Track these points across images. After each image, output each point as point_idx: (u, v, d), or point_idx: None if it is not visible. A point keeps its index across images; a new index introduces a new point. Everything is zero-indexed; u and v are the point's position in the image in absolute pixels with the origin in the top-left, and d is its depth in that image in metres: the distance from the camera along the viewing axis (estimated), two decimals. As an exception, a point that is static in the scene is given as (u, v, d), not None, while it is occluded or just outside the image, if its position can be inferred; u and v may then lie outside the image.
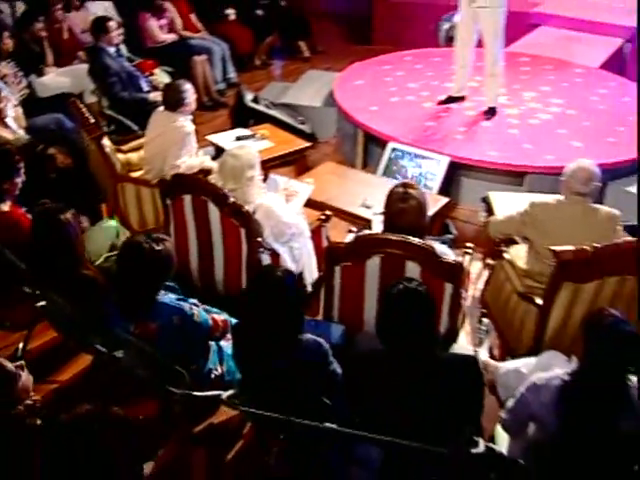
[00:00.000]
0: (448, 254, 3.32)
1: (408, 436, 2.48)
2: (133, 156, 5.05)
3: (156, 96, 5.82)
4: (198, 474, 2.62)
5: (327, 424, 2.51)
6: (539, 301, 3.52)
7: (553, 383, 2.52)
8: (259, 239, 3.69)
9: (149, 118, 4.93)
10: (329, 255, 3.38)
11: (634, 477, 2.54)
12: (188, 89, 4.75)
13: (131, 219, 4.72)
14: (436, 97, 6.50)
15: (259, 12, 8.66)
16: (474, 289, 4.40)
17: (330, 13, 10.48)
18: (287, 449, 2.79)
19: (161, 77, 6.71)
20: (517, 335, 3.72)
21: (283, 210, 3.94)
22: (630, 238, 3.60)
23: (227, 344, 3.15)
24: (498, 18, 5.87)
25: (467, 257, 3.85)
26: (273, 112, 6.29)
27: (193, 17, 7.95)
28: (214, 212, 3.70)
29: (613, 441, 2.49)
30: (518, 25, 8.10)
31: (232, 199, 3.60)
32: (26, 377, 2.39)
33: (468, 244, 3.98)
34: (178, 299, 2.93)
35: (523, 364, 3.18)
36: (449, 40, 8.84)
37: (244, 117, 6.30)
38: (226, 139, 5.53)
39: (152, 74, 6.57)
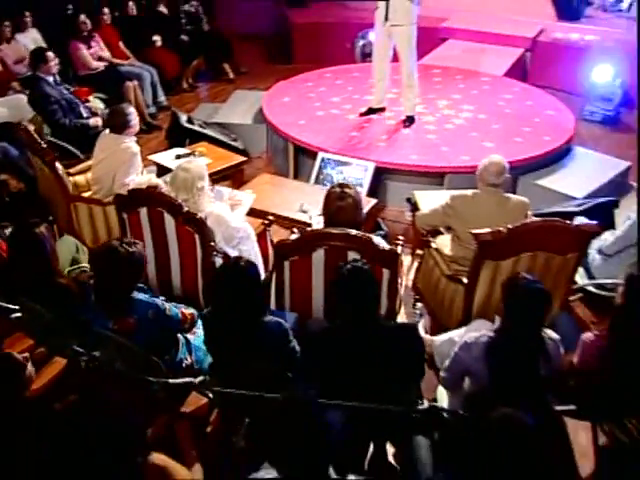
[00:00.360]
0: (384, 244, 3.79)
1: (364, 399, 2.90)
2: (80, 178, 5.34)
3: (96, 121, 6.13)
4: (185, 443, 2.98)
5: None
6: (465, 280, 4.01)
7: (481, 340, 2.99)
8: (212, 244, 4.07)
9: (91, 143, 5.26)
10: (278, 251, 3.78)
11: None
12: (132, 112, 5.09)
13: (85, 236, 5.01)
14: (358, 109, 7.00)
15: (184, 37, 9.04)
16: (406, 279, 4.88)
17: (251, 34, 10.91)
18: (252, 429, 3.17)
19: (95, 103, 7.02)
20: (448, 313, 4.19)
21: (231, 216, 4.33)
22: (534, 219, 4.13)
23: (193, 337, 3.52)
24: (410, 34, 6.42)
25: (399, 248, 4.32)
26: (207, 131, 6.66)
27: (121, 45, 8.28)
28: (170, 222, 4.05)
29: (535, 385, 2.97)
30: (429, 39, 8.78)
31: (186, 208, 3.97)
32: (30, 368, 2.71)
33: (399, 237, 4.46)
34: (150, 297, 3.29)
35: (455, 334, 3.65)
36: (365, 56, 9.45)
37: (180, 137, 6.63)
38: (167, 158, 5.88)
39: (87, 101, 6.86)
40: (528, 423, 2.31)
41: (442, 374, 3.24)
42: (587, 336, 3.14)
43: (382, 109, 6.94)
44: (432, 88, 7.58)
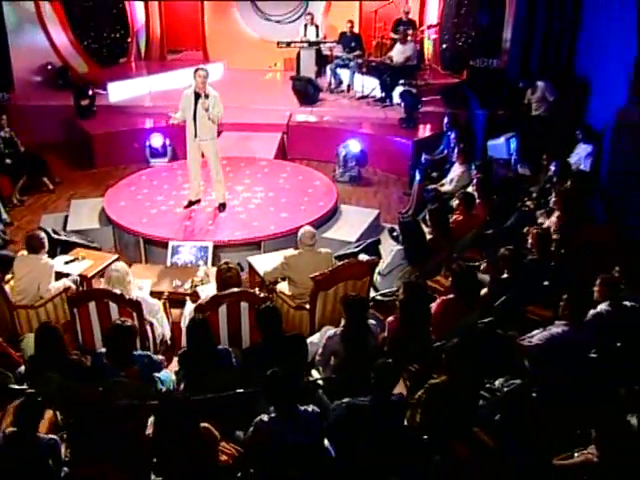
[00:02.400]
0: (262, 294, 6.21)
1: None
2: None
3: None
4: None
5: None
6: (307, 306, 6.51)
7: (338, 332, 5.50)
8: (143, 317, 6.19)
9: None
10: (197, 310, 6.00)
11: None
12: (44, 236, 6.99)
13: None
14: (181, 203, 9.27)
15: (8, 161, 10.67)
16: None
17: (48, 144, 12.44)
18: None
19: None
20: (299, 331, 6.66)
21: (148, 296, 6.48)
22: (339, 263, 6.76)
23: (163, 373, 5.64)
24: (215, 145, 8.88)
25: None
26: (73, 238, 8.52)
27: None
28: (114, 308, 6.11)
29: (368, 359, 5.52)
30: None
31: (127, 296, 6.07)
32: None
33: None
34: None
35: (314, 337, 6.12)
36: (153, 156, 11.69)
37: (51, 249, 8.35)
38: (58, 264, 7.67)
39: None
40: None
41: (317, 358, 5.69)
42: (389, 319, 5.79)
43: (199, 201, 9.28)
44: (227, 177, 9.99)
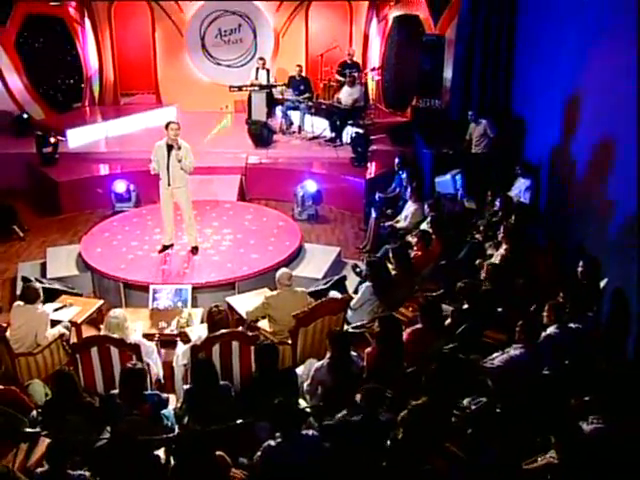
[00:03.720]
0: (249, 333, 6.87)
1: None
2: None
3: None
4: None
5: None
6: (289, 341, 7.19)
7: (324, 364, 6.20)
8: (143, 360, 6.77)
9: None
10: (193, 350, 6.62)
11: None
12: (40, 287, 7.51)
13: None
14: (155, 247, 9.84)
15: (-23, 211, 11.09)
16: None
17: (19, 191, 12.95)
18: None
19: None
20: (281, 366, 7.32)
21: (143, 339, 7.07)
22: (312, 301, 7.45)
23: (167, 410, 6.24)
24: (187, 192, 9.52)
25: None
26: (55, 286, 9.02)
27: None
28: (115, 352, 6.68)
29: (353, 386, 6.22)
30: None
31: (128, 340, 6.65)
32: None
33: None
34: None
35: (300, 370, 6.79)
36: (118, 201, 12.21)
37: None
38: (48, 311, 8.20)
39: None
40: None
41: (305, 388, 6.37)
42: (367, 350, 6.52)
43: (172, 245, 9.87)
44: (195, 221, 10.63)
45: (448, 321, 7.25)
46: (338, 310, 7.36)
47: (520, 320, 6.37)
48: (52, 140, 13.37)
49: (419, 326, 6.81)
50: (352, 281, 9.30)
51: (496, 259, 8.47)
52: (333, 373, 6.17)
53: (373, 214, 10.72)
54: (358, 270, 9.37)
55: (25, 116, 14.92)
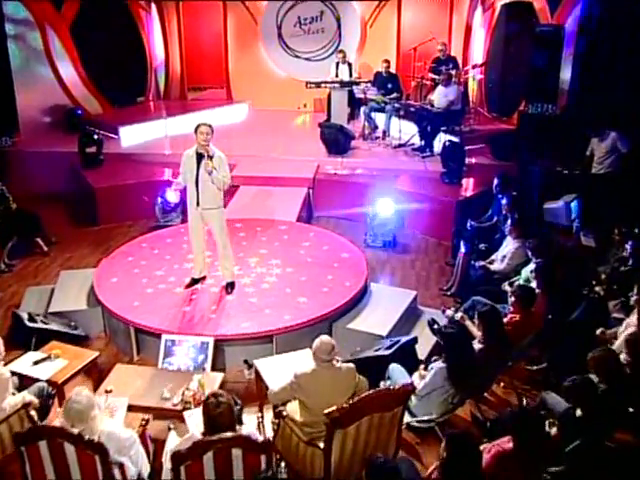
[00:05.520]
0: (257, 435, 4.74)
1: None
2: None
3: None
4: None
5: None
6: (321, 444, 5.04)
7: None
8: (110, 459, 4.77)
9: None
10: (174, 459, 4.58)
11: None
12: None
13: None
14: (182, 280, 7.89)
15: (-3, 220, 9.46)
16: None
17: (49, 195, 11.37)
18: None
19: None
20: (310, 473, 5.19)
21: (118, 428, 5.06)
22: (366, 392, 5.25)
23: None
24: (221, 216, 7.52)
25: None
26: (50, 326, 7.21)
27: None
28: (70, 449, 4.71)
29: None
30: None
31: (87, 436, 4.66)
32: None
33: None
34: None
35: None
36: (165, 213, 10.42)
37: (26, 337, 7.09)
38: (24, 365, 6.34)
39: None
40: None
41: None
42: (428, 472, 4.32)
43: (203, 278, 7.89)
44: (240, 245, 8.65)
45: (554, 431, 4.97)
46: (395, 404, 5.13)
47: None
48: (97, 138, 11.71)
49: (509, 446, 4.55)
50: (427, 337, 7.08)
51: (626, 330, 6.10)
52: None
53: (462, 248, 8.43)
54: (436, 328, 7.14)
55: (79, 111, 13.35)
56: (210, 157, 7.19)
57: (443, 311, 7.41)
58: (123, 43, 14.37)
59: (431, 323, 7.18)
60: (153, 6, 14.79)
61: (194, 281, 7.85)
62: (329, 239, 9.13)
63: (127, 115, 13.77)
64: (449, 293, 8.59)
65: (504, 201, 8.52)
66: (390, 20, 14.40)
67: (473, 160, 11.35)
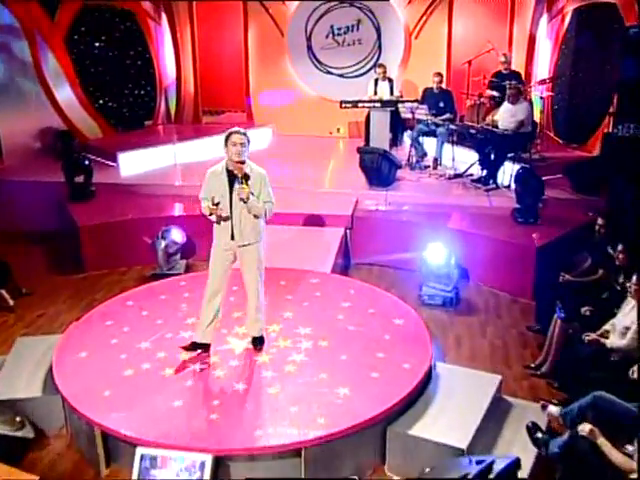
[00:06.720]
0: None
1: None
2: None
3: None
4: None
5: None
6: None
7: None
8: None
9: None
10: None
11: None
12: None
13: None
14: (175, 355, 5.69)
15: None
16: None
17: (31, 232, 9.56)
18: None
19: None
20: None
21: None
22: None
23: None
24: (259, 252, 5.61)
25: None
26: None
27: None
28: None
29: None
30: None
31: None
32: None
33: None
34: None
35: None
36: (169, 256, 8.34)
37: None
38: None
39: None
40: None
41: None
42: None
43: (208, 346, 5.73)
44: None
45: None
46: None
47: None
48: (86, 165, 9.71)
49: None
50: (522, 445, 4.83)
51: None
52: None
53: (558, 312, 6.15)
54: (538, 437, 4.87)
55: (68, 135, 11.37)
56: (246, 178, 5.25)
57: (543, 407, 5.24)
58: (128, 57, 12.62)
59: (532, 430, 4.93)
60: (163, 15, 12.84)
61: (194, 346, 5.71)
62: (375, 297, 6.87)
63: (129, 140, 11.75)
64: (538, 373, 6.33)
65: (619, 248, 6.22)
66: (439, 30, 12.27)
67: (549, 194, 9.06)
